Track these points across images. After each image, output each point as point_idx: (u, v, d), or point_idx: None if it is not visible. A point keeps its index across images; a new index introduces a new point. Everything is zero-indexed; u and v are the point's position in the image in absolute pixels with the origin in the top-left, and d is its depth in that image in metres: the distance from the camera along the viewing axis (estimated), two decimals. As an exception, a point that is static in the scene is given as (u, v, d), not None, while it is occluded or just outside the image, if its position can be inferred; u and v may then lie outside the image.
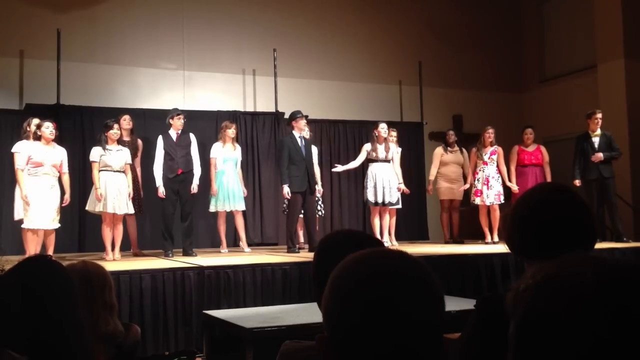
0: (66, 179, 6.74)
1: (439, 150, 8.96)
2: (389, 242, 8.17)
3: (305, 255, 6.76)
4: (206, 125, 9.23)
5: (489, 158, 8.45)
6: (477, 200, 8.42)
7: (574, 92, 10.71)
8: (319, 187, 7.97)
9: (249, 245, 8.15)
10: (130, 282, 5.18)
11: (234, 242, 8.74)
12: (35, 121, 6.90)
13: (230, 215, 8.00)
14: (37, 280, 1.72)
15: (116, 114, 7.79)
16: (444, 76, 11.20)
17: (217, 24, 9.95)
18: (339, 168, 8.35)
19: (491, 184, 8.38)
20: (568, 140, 9.53)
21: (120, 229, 6.96)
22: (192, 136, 7.59)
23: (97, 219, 7.13)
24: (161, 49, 9.65)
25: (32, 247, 6.33)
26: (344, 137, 10.45)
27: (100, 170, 6.82)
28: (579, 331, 0.67)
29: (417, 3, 11.16)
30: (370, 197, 7.94)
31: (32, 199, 6.33)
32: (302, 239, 8.21)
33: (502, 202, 8.38)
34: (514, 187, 8.37)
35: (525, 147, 8.65)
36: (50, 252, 6.41)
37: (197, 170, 7.48)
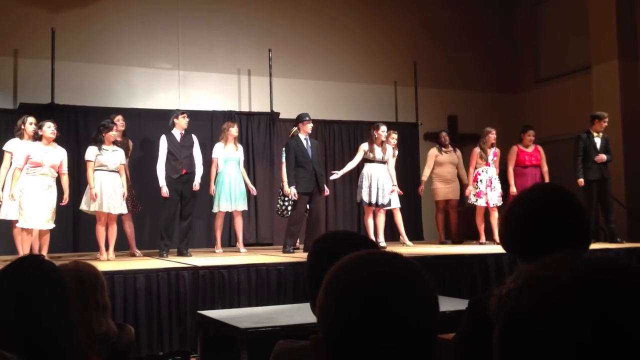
0: (65, 180, 6.72)
1: (433, 151, 8.99)
2: (383, 242, 8.17)
3: (299, 256, 6.76)
4: (201, 125, 9.22)
5: (491, 160, 8.46)
6: (481, 202, 8.36)
7: (569, 93, 10.75)
8: (325, 188, 7.96)
9: (245, 245, 8.14)
10: (124, 282, 5.17)
11: (229, 242, 8.73)
12: (30, 119, 6.87)
13: (228, 216, 7.99)
14: (30, 280, 1.71)
15: (111, 113, 7.78)
16: (439, 77, 11.21)
17: (213, 24, 9.94)
18: (337, 174, 8.30)
19: (494, 185, 8.39)
20: (562, 141, 9.57)
21: (114, 228, 6.94)
22: (194, 137, 7.61)
23: (92, 218, 7.11)
24: (156, 49, 9.63)
25: (26, 247, 6.31)
26: (339, 138, 10.46)
27: (95, 170, 6.80)
28: (560, 337, 0.67)
29: (412, 3, 11.17)
30: (365, 197, 7.95)
31: (28, 198, 6.31)
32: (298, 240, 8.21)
33: (502, 203, 8.38)
34: (513, 189, 8.32)
35: (525, 148, 8.59)
36: (44, 252, 6.39)
37: (199, 170, 7.50)
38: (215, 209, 7.84)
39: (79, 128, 8.71)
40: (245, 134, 9.66)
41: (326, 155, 10.20)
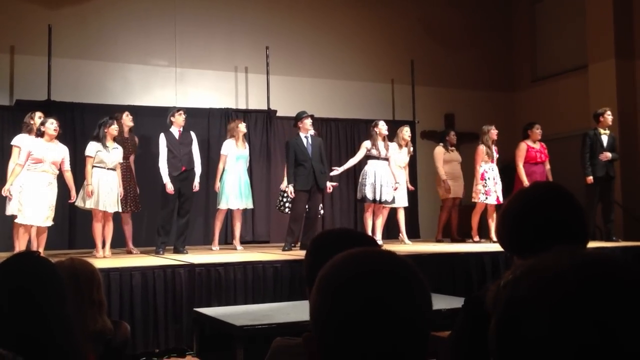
0: (69, 176, 6.68)
1: (440, 149, 8.92)
2: (380, 240, 8.17)
3: (296, 253, 6.76)
4: (198, 122, 9.21)
5: (495, 157, 8.45)
6: (491, 200, 8.25)
7: (566, 91, 10.76)
8: (329, 185, 7.94)
9: (241, 242, 8.14)
10: (120, 280, 5.16)
11: (225, 240, 8.72)
12: (39, 114, 6.85)
13: (228, 213, 7.98)
14: (25, 276, 1.71)
15: (107, 110, 7.76)
16: (437, 75, 11.22)
17: (209, 21, 9.93)
18: (338, 170, 8.28)
19: (497, 182, 8.37)
20: (559, 140, 9.59)
21: (110, 226, 6.92)
22: (193, 134, 7.59)
23: (88, 216, 7.10)
24: (153, 46, 9.62)
25: (22, 244, 6.29)
26: (335, 135, 10.45)
27: (93, 167, 6.78)
28: (558, 328, 0.67)
29: (409, 1, 11.17)
30: (369, 194, 7.90)
31: (28, 194, 6.28)
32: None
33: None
34: (527, 184, 8.24)
35: (533, 144, 8.48)
36: (41, 249, 6.35)
37: (198, 168, 7.49)
38: (223, 206, 7.77)
39: (75, 125, 8.68)
40: (242, 131, 9.65)
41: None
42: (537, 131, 8.46)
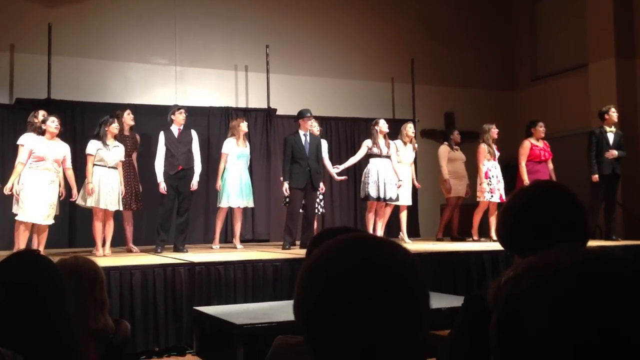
0: (70, 174, 6.69)
1: (445, 148, 8.91)
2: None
3: (296, 252, 6.76)
4: (198, 121, 9.21)
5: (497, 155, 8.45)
6: (495, 198, 8.23)
7: (566, 90, 10.76)
8: (322, 185, 7.94)
9: (241, 241, 8.14)
10: (120, 278, 5.16)
11: (225, 238, 8.72)
12: (43, 112, 6.85)
13: (229, 212, 7.98)
14: (25, 275, 1.71)
15: (107, 109, 7.76)
16: (437, 74, 11.22)
17: (210, 20, 9.92)
18: (339, 168, 8.27)
19: (499, 180, 8.37)
20: (560, 139, 9.58)
21: (111, 225, 6.92)
22: (193, 133, 7.57)
23: (88, 214, 7.10)
24: (153, 44, 9.62)
25: (22, 241, 6.29)
26: (336, 134, 10.45)
27: (94, 165, 6.78)
28: (558, 324, 0.67)
29: (410, 0, 11.16)
30: (373, 192, 7.89)
31: (29, 192, 6.28)
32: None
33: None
34: (527, 183, 8.26)
35: (536, 142, 8.43)
36: (42, 248, 6.36)
37: (197, 167, 7.47)
38: (224, 204, 7.76)
39: (75, 123, 8.68)
40: (242, 130, 9.65)
41: (323, 152, 10.20)
42: (541, 129, 8.42)
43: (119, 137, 7.09)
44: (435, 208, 10.35)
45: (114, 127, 6.88)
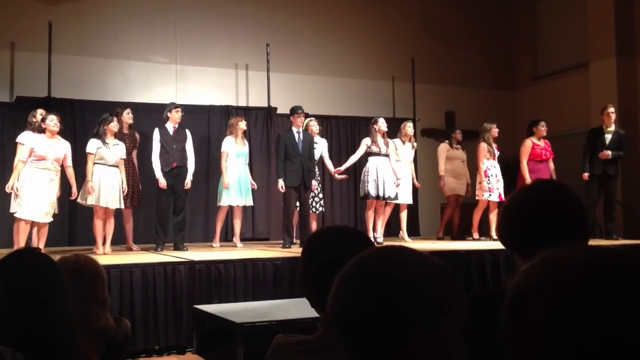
0: (70, 172, 6.70)
1: (445, 146, 8.94)
2: (381, 237, 8.17)
3: (295, 251, 6.76)
4: (198, 119, 9.21)
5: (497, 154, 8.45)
6: (494, 197, 8.26)
7: (566, 90, 10.76)
8: (315, 183, 7.94)
9: (241, 240, 8.14)
10: (120, 276, 5.16)
11: (225, 237, 8.72)
12: (41, 111, 6.85)
13: (229, 210, 7.98)
14: (25, 273, 1.70)
15: (108, 107, 7.76)
16: (437, 73, 11.21)
17: (210, 18, 9.92)
18: (341, 168, 8.26)
19: (499, 179, 8.38)
20: (560, 138, 9.57)
21: (111, 223, 6.92)
22: (188, 132, 7.58)
23: (88, 212, 7.10)
24: (153, 43, 9.61)
25: (22, 239, 6.29)
26: (336, 133, 10.44)
27: (94, 164, 6.78)
28: (560, 315, 0.68)
29: (410, -1, 11.17)
30: (372, 190, 7.90)
31: (29, 190, 6.28)
32: (294, 234, 8.20)
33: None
34: (529, 181, 8.26)
35: (537, 141, 8.44)
36: (42, 246, 6.37)
37: (191, 166, 7.47)
38: (224, 203, 7.75)
39: (75, 122, 8.68)
40: (242, 128, 9.64)
41: (323, 151, 10.19)
42: (542, 128, 8.43)
43: (118, 136, 7.09)
44: (435, 207, 10.36)
45: (113, 126, 6.88)
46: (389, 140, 8.17)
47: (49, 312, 1.66)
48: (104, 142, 6.80)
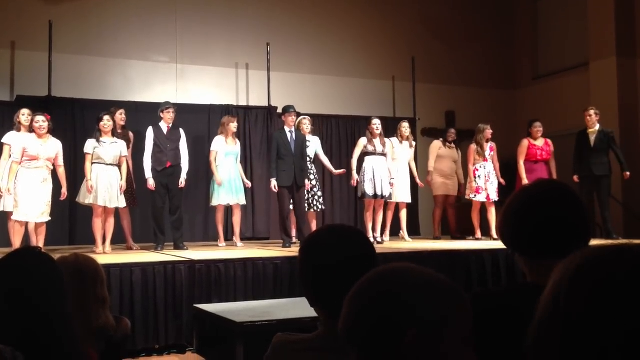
0: (62, 172, 6.69)
1: (437, 143, 8.98)
2: (381, 237, 8.17)
3: (296, 250, 6.74)
4: (199, 118, 9.21)
5: (488, 155, 8.47)
6: (481, 197, 8.35)
7: (567, 89, 10.75)
8: (308, 182, 7.93)
9: (241, 239, 8.14)
10: (120, 276, 5.16)
11: (225, 236, 8.72)
12: (24, 111, 6.85)
13: (227, 209, 7.98)
14: (26, 272, 1.70)
15: (108, 106, 7.76)
16: (438, 72, 11.21)
17: (210, 18, 9.91)
18: (355, 176, 8.25)
19: (491, 180, 8.40)
20: (560, 138, 9.56)
21: (111, 222, 6.92)
22: (182, 131, 7.58)
23: (88, 211, 7.10)
24: (154, 42, 9.61)
25: (17, 240, 6.29)
26: (336, 132, 10.45)
27: (93, 163, 6.78)
28: (585, 308, 0.68)
29: (411, -1, 11.16)
30: (369, 190, 7.92)
31: (23, 191, 6.28)
32: (294, 233, 8.20)
33: (498, 198, 8.41)
34: (525, 182, 8.34)
35: (535, 141, 8.53)
36: (41, 245, 6.36)
37: (185, 165, 7.47)
38: (215, 202, 7.78)
39: (75, 121, 8.68)
40: (242, 128, 9.64)
41: (323, 150, 10.17)
42: (535, 129, 8.53)
43: (115, 135, 7.09)
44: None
45: (104, 125, 6.86)
46: (386, 139, 8.18)
47: (48, 311, 1.65)
48: (98, 141, 6.80)
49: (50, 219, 6.56)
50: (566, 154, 8.87)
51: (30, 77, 8.68)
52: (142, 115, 8.56)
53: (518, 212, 1.59)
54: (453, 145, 9.02)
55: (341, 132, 10.46)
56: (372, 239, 7.19)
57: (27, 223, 6.47)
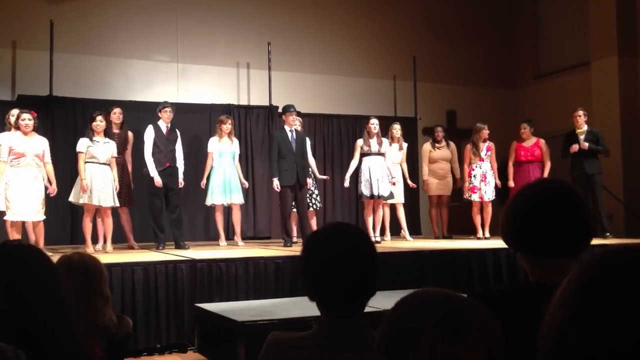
0: (50, 169, 6.60)
1: (426, 146, 8.99)
2: (380, 237, 8.17)
3: (297, 249, 6.74)
4: (200, 118, 9.22)
5: (485, 154, 8.48)
6: (475, 197, 8.40)
7: (568, 88, 10.74)
8: (310, 180, 7.95)
9: (242, 238, 8.14)
10: (122, 275, 5.16)
11: (226, 236, 8.73)
12: (14, 112, 6.85)
13: (227, 209, 7.99)
14: (15, 267, 1.63)
15: (109, 106, 7.77)
16: (439, 71, 11.20)
17: (212, 17, 9.91)
18: (347, 178, 8.27)
19: (488, 180, 8.42)
20: (561, 137, 9.56)
21: (109, 222, 6.91)
22: (178, 132, 7.61)
23: (89, 211, 7.09)
24: (155, 41, 9.61)
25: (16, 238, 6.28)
26: (337, 132, 10.45)
27: (86, 162, 6.78)
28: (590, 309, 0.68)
29: (412, -2, 11.16)
30: (365, 190, 7.94)
31: (14, 190, 6.26)
32: (295, 233, 8.21)
33: (494, 197, 8.43)
34: (511, 183, 8.41)
35: (523, 143, 8.61)
36: (41, 243, 6.37)
37: (180, 165, 7.49)
38: (208, 202, 7.84)
39: (77, 120, 8.68)
40: (243, 127, 9.65)
41: (325, 149, 10.20)
42: (520, 130, 8.67)
43: (108, 135, 7.09)
44: (436, 206, 10.36)
45: (96, 125, 6.85)
46: (383, 138, 8.19)
47: (44, 307, 1.58)
48: (91, 140, 6.80)
49: (45, 217, 6.52)
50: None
51: (31, 76, 8.69)
52: (143, 114, 8.57)
53: (519, 211, 1.59)
54: (443, 143, 8.94)
55: (342, 132, 10.46)
56: (372, 239, 7.19)
57: (23, 222, 6.46)
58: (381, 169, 8.00)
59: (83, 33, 9.14)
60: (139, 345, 5.14)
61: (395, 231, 8.91)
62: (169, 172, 7.33)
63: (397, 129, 8.62)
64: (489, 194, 8.38)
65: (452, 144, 9.03)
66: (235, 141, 8.09)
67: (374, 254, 1.62)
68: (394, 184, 8.20)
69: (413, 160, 10.52)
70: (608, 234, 7.99)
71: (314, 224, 8.12)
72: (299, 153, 7.59)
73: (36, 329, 1.56)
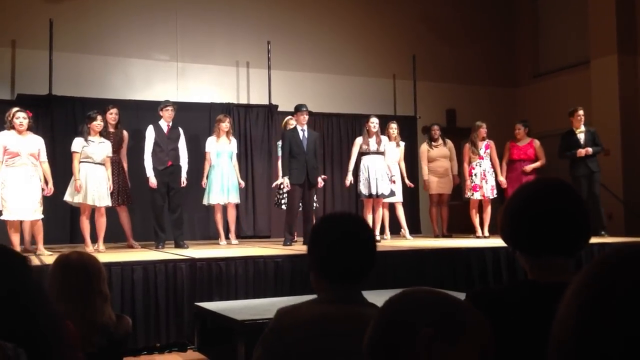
0: (46, 168, 6.60)
1: (424, 146, 9.00)
2: (380, 235, 8.17)
3: (297, 248, 6.76)
4: (199, 117, 9.21)
5: (484, 153, 8.49)
6: (477, 195, 8.41)
7: (567, 87, 10.74)
8: (320, 180, 7.94)
9: (242, 237, 8.16)
10: (121, 274, 5.16)
11: (226, 235, 8.72)
12: (14, 110, 6.84)
13: (225, 208, 8.01)
14: None
15: (108, 105, 7.76)
16: (438, 70, 11.20)
17: (211, 16, 9.91)
18: (348, 177, 8.26)
19: (487, 178, 8.43)
20: (560, 136, 9.57)
21: (103, 221, 6.90)
22: (181, 130, 7.60)
23: (89, 210, 7.09)
24: (154, 40, 9.61)
25: (15, 239, 6.26)
26: (337, 130, 10.45)
27: (81, 162, 6.77)
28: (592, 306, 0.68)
29: (411, -3, 11.15)
30: (364, 189, 7.95)
31: (10, 189, 6.24)
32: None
33: (495, 196, 8.44)
34: (503, 183, 8.46)
35: (517, 142, 8.70)
36: (40, 242, 6.37)
37: (184, 164, 7.50)
38: (205, 201, 7.89)
39: (76, 119, 8.66)
40: (243, 126, 9.65)
41: (324, 148, 10.19)
42: (515, 131, 8.74)
43: (104, 134, 7.09)
44: (436, 205, 10.36)
45: (96, 125, 6.86)
46: (383, 137, 8.19)
47: (22, 311, 1.55)
48: (87, 140, 6.79)
49: (43, 216, 6.51)
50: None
51: (30, 75, 8.68)
52: (142, 113, 8.57)
53: (517, 210, 1.59)
54: (440, 141, 8.96)
55: (342, 130, 10.46)
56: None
57: (21, 222, 6.44)
58: (380, 167, 8.00)
59: (82, 32, 9.13)
60: (138, 344, 5.14)
61: (395, 230, 8.91)
62: (170, 170, 7.33)
63: (393, 128, 8.63)
64: (488, 192, 8.40)
65: (449, 141, 9.05)
66: (234, 140, 8.09)
67: (372, 236, 1.86)
68: (393, 182, 8.20)
69: (413, 159, 10.53)
70: (603, 232, 7.99)
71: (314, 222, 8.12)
72: (311, 152, 7.59)
73: (20, 331, 1.53)
